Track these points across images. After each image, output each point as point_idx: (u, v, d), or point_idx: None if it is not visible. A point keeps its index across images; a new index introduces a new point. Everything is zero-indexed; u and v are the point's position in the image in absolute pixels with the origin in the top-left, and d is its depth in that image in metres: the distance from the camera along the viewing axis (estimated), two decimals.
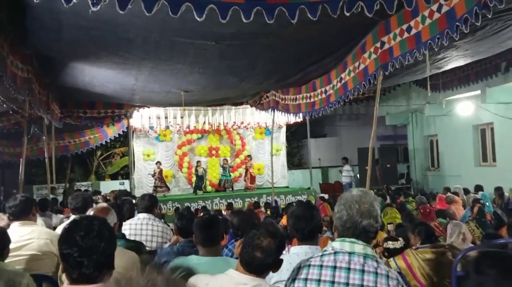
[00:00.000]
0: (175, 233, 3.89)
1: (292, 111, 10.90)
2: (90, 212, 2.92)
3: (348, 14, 3.82)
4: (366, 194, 2.17)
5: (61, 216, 7.18)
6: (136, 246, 3.52)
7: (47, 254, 3.35)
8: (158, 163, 15.85)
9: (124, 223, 4.34)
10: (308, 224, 2.78)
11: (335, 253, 2.13)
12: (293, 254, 2.77)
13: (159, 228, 4.38)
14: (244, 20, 3.63)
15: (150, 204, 4.45)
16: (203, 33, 5.75)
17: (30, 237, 3.36)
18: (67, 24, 5.67)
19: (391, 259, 3.91)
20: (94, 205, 7.91)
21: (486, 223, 6.57)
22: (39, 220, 4.40)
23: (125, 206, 4.66)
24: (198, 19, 3.55)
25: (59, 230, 4.31)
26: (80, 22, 5.53)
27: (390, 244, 4.06)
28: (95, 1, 3.37)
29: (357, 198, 2.13)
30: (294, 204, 10.93)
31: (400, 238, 4.20)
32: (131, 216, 4.63)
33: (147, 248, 4.19)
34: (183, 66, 7.60)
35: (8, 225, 3.54)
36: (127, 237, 4.21)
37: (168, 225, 8.83)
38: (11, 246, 2.98)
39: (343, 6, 3.78)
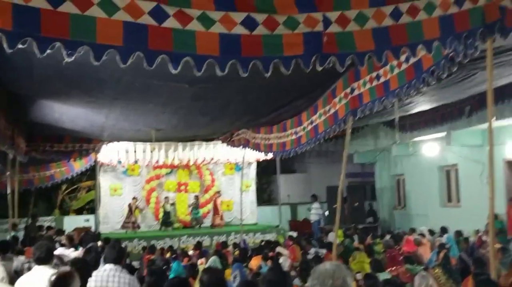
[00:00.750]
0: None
1: (263, 150, 10.96)
2: (52, 277, 2.79)
3: (320, 69, 3.89)
4: (339, 268, 2.18)
5: (22, 258, 6.89)
6: None
7: None
8: (135, 198, 15.58)
9: None
10: None
11: None
12: None
13: (126, 280, 4.24)
14: (219, 73, 3.66)
15: (119, 256, 4.33)
16: (176, 77, 5.75)
17: None
18: (39, 64, 5.61)
19: None
20: (57, 246, 7.69)
21: (452, 269, 6.64)
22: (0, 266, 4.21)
23: (90, 254, 4.52)
24: (173, 71, 3.56)
25: (19, 283, 4.14)
26: (52, 63, 5.48)
27: None
28: (69, 53, 3.34)
29: (330, 272, 2.13)
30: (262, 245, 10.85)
31: None
32: (97, 264, 4.49)
33: None
34: (155, 107, 7.59)
35: None
36: None
37: (133, 265, 8.66)
38: None
39: (315, 61, 3.85)
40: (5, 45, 3.27)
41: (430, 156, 14.32)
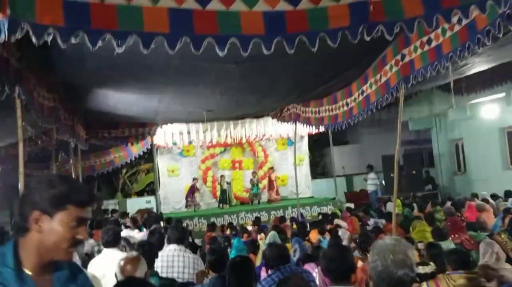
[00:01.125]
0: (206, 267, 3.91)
1: (314, 123, 10.88)
2: (121, 262, 2.93)
3: (368, 39, 3.81)
4: (399, 242, 2.16)
5: (92, 242, 7.28)
6: (169, 284, 3.56)
7: None
8: (195, 179, 15.99)
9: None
10: (340, 266, 2.77)
11: None
12: None
13: (190, 259, 4.41)
14: (265, 52, 3.66)
15: (181, 236, 4.49)
16: (223, 57, 5.79)
17: None
18: (90, 54, 5.79)
19: (424, 283, 3.86)
20: (123, 228, 8.04)
21: None
22: None
23: (154, 235, 4.71)
24: (220, 53, 3.59)
25: (91, 266, 4.39)
26: (103, 53, 5.64)
27: (421, 269, 4.01)
28: (120, 43, 3.44)
29: (391, 247, 2.12)
30: (320, 217, 10.89)
31: (431, 263, 4.15)
32: (161, 245, 4.68)
33: (179, 279, 4.24)
34: (205, 88, 7.68)
35: None
36: (158, 269, 4.27)
37: (195, 243, 8.93)
38: None
39: (362, 31, 3.77)
40: (59, 40, 3.40)
41: (490, 117, 13.75)
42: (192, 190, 15.77)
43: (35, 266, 1.67)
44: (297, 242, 7.39)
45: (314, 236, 8.43)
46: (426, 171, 17.40)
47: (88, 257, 5.99)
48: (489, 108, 13.49)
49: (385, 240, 2.19)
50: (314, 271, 4.67)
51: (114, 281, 2.88)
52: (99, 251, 5.50)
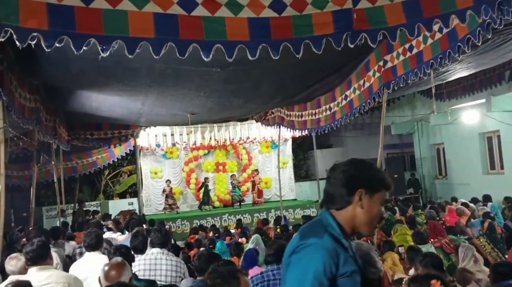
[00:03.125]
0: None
1: (298, 127, 10.96)
2: (105, 267, 2.94)
3: (352, 46, 3.87)
4: (360, 245, 2.25)
5: (73, 243, 7.23)
6: (149, 285, 3.56)
7: None
8: (168, 181, 15.94)
9: (136, 257, 4.40)
10: None
11: None
12: None
13: (173, 262, 4.42)
14: (250, 58, 3.69)
15: (164, 240, 4.50)
16: (207, 61, 5.81)
17: (48, 282, 3.42)
18: (74, 57, 5.74)
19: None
20: (105, 230, 7.99)
21: (497, 238, 6.57)
22: (53, 253, 4.43)
23: (137, 238, 4.70)
24: (205, 59, 3.61)
25: (73, 269, 4.37)
26: (87, 55, 5.62)
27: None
28: (104, 47, 3.44)
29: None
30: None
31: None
32: (145, 248, 4.67)
33: (162, 282, 4.24)
34: (189, 91, 7.68)
35: (25, 269, 3.61)
36: (141, 272, 4.27)
37: (178, 245, 8.91)
38: None
39: (346, 39, 3.83)
40: (42, 44, 3.39)
41: (470, 123, 13.99)
42: (165, 193, 15.72)
43: (345, 237, 1.87)
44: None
45: None
46: (411, 173, 17.56)
47: (69, 260, 5.94)
48: (469, 113, 13.73)
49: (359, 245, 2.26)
50: None
51: (96, 285, 2.88)
52: (81, 254, 5.46)
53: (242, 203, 16.35)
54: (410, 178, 17.29)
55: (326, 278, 1.70)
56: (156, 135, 15.05)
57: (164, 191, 15.75)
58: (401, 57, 6.30)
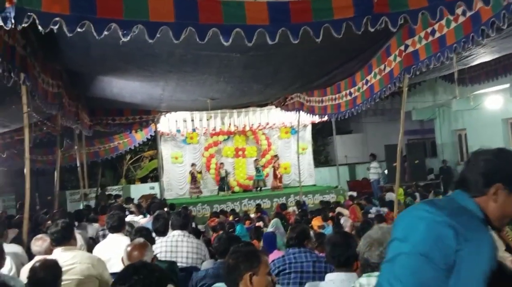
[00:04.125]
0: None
1: (318, 112, 10.93)
2: (128, 248, 3.01)
3: (372, 30, 3.84)
4: (382, 229, 2.25)
5: (97, 226, 7.38)
6: (169, 267, 3.64)
7: (89, 278, 3.50)
8: (194, 164, 16.09)
9: (157, 239, 4.49)
10: (344, 252, 2.84)
11: None
12: (329, 281, 2.86)
13: (194, 244, 4.49)
14: (270, 42, 3.69)
15: (185, 222, 4.57)
16: (227, 46, 5.82)
17: (73, 262, 3.52)
18: (95, 42, 5.82)
19: None
20: (127, 214, 8.14)
21: None
22: (76, 234, 4.55)
23: (159, 221, 4.78)
24: (225, 43, 3.63)
25: (97, 250, 4.48)
26: (108, 41, 5.68)
27: None
28: (125, 32, 3.48)
29: (381, 240, 2.21)
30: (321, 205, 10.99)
31: None
32: (166, 231, 4.75)
33: (183, 264, 4.32)
34: (209, 77, 7.71)
35: (51, 249, 3.72)
36: (162, 253, 4.35)
37: (198, 229, 9.03)
38: None
39: (367, 23, 3.80)
40: (65, 29, 3.44)
41: (493, 108, 13.77)
42: (193, 177, 15.87)
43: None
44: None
45: (317, 223, 8.52)
46: (443, 160, 17.22)
47: (93, 241, 6.09)
48: (492, 99, 13.51)
49: (377, 232, 2.26)
50: None
51: (119, 265, 2.96)
52: (104, 236, 5.59)
53: (262, 188, 16.41)
54: (442, 166, 16.95)
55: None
56: (176, 121, 15.14)
57: (193, 174, 15.88)
58: (423, 42, 6.20)
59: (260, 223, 8.95)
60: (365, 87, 8.29)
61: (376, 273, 2.20)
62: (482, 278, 1.61)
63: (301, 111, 12.11)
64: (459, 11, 5.08)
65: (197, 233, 7.30)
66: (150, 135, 15.73)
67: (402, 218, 1.88)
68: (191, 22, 3.59)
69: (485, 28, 4.86)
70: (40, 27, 3.38)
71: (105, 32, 3.48)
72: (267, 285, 2.36)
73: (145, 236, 3.63)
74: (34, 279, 2.99)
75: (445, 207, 1.75)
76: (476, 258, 1.61)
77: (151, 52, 6.18)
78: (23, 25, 3.34)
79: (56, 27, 3.37)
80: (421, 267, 1.66)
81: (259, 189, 16.27)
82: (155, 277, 1.96)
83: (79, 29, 3.44)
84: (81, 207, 11.67)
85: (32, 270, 3.04)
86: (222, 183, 16.23)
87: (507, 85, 12.07)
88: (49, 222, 6.50)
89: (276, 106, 13.85)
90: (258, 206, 12.91)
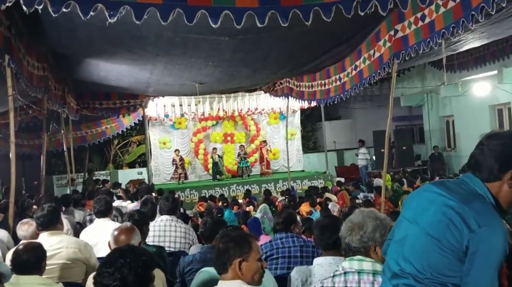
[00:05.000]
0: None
1: (307, 98, 10.89)
2: (114, 232, 2.98)
3: (362, 14, 3.81)
4: (362, 213, 2.25)
5: (83, 212, 7.33)
6: (157, 251, 3.62)
7: (76, 263, 3.47)
8: (177, 150, 16.02)
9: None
10: (333, 234, 2.84)
11: (345, 273, 2.21)
12: (316, 265, 2.86)
13: (182, 229, 4.48)
14: (259, 25, 3.65)
15: (173, 207, 4.55)
16: (216, 29, 5.75)
17: (59, 247, 3.48)
18: (81, 23, 5.71)
19: None
20: (115, 199, 8.09)
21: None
22: (63, 219, 4.51)
23: (147, 206, 4.76)
24: (213, 25, 3.58)
25: (83, 235, 4.44)
26: (94, 22, 5.58)
27: None
28: (112, 13, 3.41)
29: (361, 220, 2.22)
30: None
31: None
32: (154, 215, 4.73)
33: (171, 249, 4.31)
34: (197, 61, 7.64)
35: (37, 234, 3.68)
36: (150, 238, 4.33)
37: (187, 214, 9.02)
38: None
39: (356, 6, 3.77)
40: (50, 10, 3.36)
41: (481, 95, 13.85)
42: (174, 162, 15.83)
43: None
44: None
45: (305, 208, 8.55)
46: (434, 147, 17.24)
47: (80, 226, 6.05)
48: (480, 85, 13.57)
49: (357, 216, 2.26)
50: None
51: (106, 250, 2.93)
52: (91, 221, 5.55)
53: (250, 174, 16.42)
54: (433, 152, 16.99)
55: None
56: (164, 106, 15.02)
57: (173, 160, 15.83)
58: (413, 27, 6.16)
59: (250, 208, 8.97)
60: (354, 72, 8.27)
61: (358, 257, 2.21)
62: (497, 264, 1.60)
63: (290, 97, 12.08)
64: None
65: (185, 219, 7.29)
66: (138, 120, 15.60)
67: (412, 199, 1.88)
68: (179, 4, 3.53)
69: (475, 13, 4.84)
70: (24, 7, 3.30)
71: (91, 13, 3.41)
72: (256, 271, 2.35)
73: (137, 221, 3.59)
74: (17, 261, 2.97)
75: (457, 191, 1.74)
76: (491, 244, 1.60)
77: (139, 34, 6.09)
78: (6, 4, 3.26)
79: (41, 7, 3.29)
80: (431, 249, 1.66)
81: (246, 175, 16.27)
82: (142, 260, 1.94)
83: (64, 10, 3.36)
84: (68, 192, 11.58)
85: (15, 252, 3.01)
86: (216, 168, 16.18)
87: (495, 72, 12.13)
88: (35, 206, 6.44)
89: (265, 92, 13.79)
90: (248, 192, 12.92)
